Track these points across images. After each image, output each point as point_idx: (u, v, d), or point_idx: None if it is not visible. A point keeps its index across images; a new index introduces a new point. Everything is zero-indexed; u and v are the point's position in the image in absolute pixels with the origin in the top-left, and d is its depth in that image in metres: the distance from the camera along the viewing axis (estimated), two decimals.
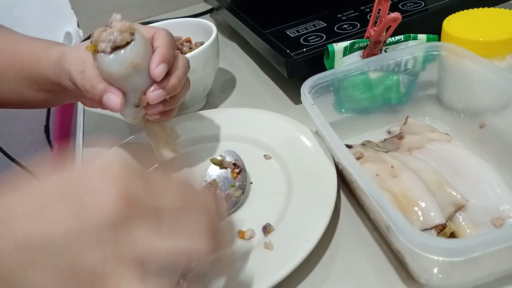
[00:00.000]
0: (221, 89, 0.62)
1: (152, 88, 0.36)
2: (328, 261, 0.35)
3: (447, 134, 0.43)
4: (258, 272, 0.32)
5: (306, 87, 0.42)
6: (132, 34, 0.34)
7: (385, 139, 0.44)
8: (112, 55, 0.34)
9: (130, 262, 0.20)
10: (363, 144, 0.44)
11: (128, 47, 0.34)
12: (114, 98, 0.35)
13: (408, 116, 0.46)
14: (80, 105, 0.65)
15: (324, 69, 0.48)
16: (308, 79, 0.43)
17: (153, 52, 0.36)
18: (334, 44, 0.46)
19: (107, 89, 0.35)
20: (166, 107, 0.39)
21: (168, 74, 0.37)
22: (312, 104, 0.39)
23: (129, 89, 0.36)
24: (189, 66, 0.40)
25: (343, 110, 0.46)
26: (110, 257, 0.20)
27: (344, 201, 0.40)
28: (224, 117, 0.51)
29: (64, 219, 0.20)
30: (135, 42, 0.34)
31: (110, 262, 0.20)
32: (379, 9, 0.46)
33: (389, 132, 0.46)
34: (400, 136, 0.43)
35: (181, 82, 0.38)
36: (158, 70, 0.35)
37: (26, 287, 0.19)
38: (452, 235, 0.34)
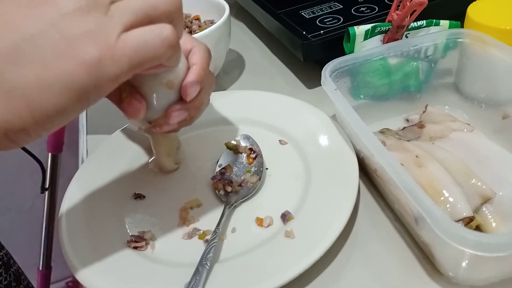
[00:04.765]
0: (230, 71, 0.60)
1: (176, 106, 0.33)
2: (348, 251, 0.34)
3: (468, 124, 0.42)
4: (281, 261, 0.32)
5: (327, 71, 0.40)
6: None
7: (405, 127, 0.43)
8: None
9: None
10: (382, 132, 0.42)
11: (170, 71, 0.31)
12: (137, 105, 0.31)
13: (427, 105, 0.45)
14: None
15: (342, 53, 0.47)
16: (329, 63, 0.41)
17: (188, 68, 0.33)
18: (355, 27, 0.45)
19: (132, 92, 0.32)
20: (180, 125, 0.36)
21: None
22: (335, 89, 0.38)
23: (151, 103, 0.33)
24: (214, 85, 0.37)
25: (361, 96, 0.45)
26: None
27: (363, 190, 0.39)
28: (236, 99, 0.49)
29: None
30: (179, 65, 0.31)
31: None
32: None
33: (407, 120, 0.45)
34: (420, 125, 0.42)
35: (205, 104, 0.36)
36: (191, 90, 0.32)
37: None
38: (477, 227, 0.33)
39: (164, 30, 0.24)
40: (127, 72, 0.24)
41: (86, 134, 0.53)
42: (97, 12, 0.22)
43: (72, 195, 0.40)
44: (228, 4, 0.55)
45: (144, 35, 0.23)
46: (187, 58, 0.33)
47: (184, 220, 0.37)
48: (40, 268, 1.02)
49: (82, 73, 0.22)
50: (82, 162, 0.49)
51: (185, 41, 0.34)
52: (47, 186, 0.94)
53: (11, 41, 0.21)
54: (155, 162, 0.41)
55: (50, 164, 0.96)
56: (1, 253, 0.55)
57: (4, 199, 1.12)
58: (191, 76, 0.32)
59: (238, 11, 0.73)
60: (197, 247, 0.35)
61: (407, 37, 0.46)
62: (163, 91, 0.32)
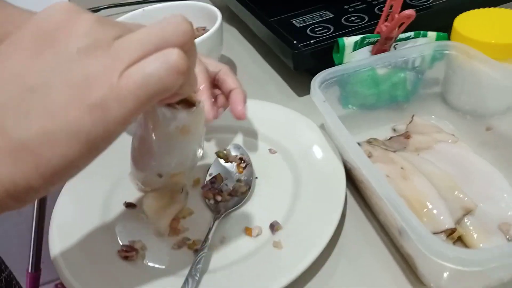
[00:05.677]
0: None
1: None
2: (334, 261, 0.35)
3: (453, 135, 0.43)
4: (269, 272, 0.32)
5: (316, 82, 0.41)
6: (194, 103, 0.31)
7: (391, 137, 0.44)
8: (170, 108, 0.29)
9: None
10: (369, 142, 0.43)
11: (188, 111, 0.30)
12: None
13: (414, 115, 0.46)
14: None
15: (332, 62, 0.47)
16: (318, 74, 0.42)
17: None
18: (344, 38, 0.45)
19: None
20: None
21: None
22: (324, 101, 0.39)
23: (162, 150, 0.31)
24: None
25: (350, 105, 0.46)
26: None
27: (350, 200, 0.40)
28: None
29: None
30: (198, 109, 0.31)
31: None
32: (391, 5, 0.45)
33: (394, 130, 0.46)
34: (407, 135, 0.43)
35: None
36: (241, 109, 0.39)
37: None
38: (459, 238, 0.34)
39: (170, 56, 0.21)
40: (136, 111, 0.21)
41: None
42: (99, 52, 0.21)
43: (63, 203, 0.40)
44: (220, 8, 0.56)
45: (148, 66, 0.21)
46: (215, 84, 0.36)
47: (174, 230, 0.38)
48: (30, 271, 1.02)
49: (87, 118, 0.20)
50: None
51: (209, 65, 0.37)
52: None
53: (15, 94, 0.20)
54: (158, 228, 0.38)
55: None
56: None
57: None
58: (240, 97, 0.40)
59: (230, 16, 0.73)
60: (187, 257, 0.35)
61: (395, 48, 0.47)
62: (177, 138, 0.31)
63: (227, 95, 0.41)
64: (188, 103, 0.31)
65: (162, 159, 0.32)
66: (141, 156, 0.33)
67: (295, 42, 0.51)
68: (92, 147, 0.21)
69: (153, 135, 0.31)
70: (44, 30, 0.21)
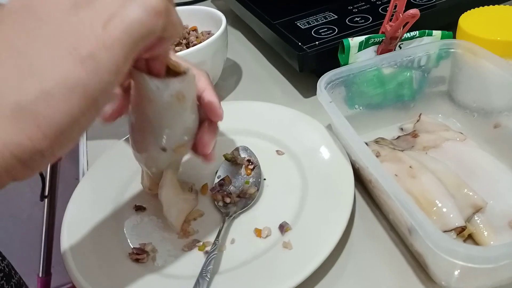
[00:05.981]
0: (226, 80, 0.61)
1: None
2: (344, 261, 0.35)
3: (461, 133, 0.43)
4: (279, 272, 0.32)
5: (322, 83, 0.41)
6: (183, 71, 0.32)
7: (399, 137, 0.44)
8: (161, 79, 0.30)
9: None
10: (376, 141, 0.43)
11: (179, 78, 0.31)
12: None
13: (421, 114, 0.46)
14: None
15: (337, 63, 0.48)
16: (324, 75, 0.42)
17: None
18: (349, 39, 0.45)
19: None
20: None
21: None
22: (330, 102, 0.39)
23: (162, 122, 0.32)
24: None
25: (356, 106, 0.46)
26: None
27: (359, 200, 0.40)
28: (233, 110, 0.49)
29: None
30: (188, 76, 0.31)
31: None
32: (396, 4, 0.45)
33: (401, 129, 0.46)
34: (414, 134, 0.43)
35: None
36: (219, 111, 0.36)
37: None
38: (469, 236, 0.34)
39: None
40: (125, 57, 0.22)
41: (86, 140, 0.53)
42: (80, 10, 0.22)
43: (74, 207, 0.41)
44: (224, 12, 0.56)
45: (127, 11, 0.22)
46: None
47: (184, 232, 0.38)
48: (40, 275, 1.03)
49: (81, 71, 0.21)
50: (83, 170, 0.50)
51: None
52: (46, 194, 0.95)
53: (9, 60, 0.21)
54: (170, 223, 0.38)
55: (50, 171, 0.96)
56: (3, 264, 0.55)
57: (2, 208, 1.12)
58: (213, 98, 0.35)
59: (234, 19, 0.74)
60: (197, 259, 0.35)
61: (400, 47, 0.47)
62: (173, 106, 0.31)
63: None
64: (177, 74, 0.32)
65: (162, 132, 0.33)
66: (141, 135, 0.34)
67: (300, 44, 0.51)
68: (90, 101, 0.22)
69: (149, 109, 0.31)
70: (24, 3, 0.22)
